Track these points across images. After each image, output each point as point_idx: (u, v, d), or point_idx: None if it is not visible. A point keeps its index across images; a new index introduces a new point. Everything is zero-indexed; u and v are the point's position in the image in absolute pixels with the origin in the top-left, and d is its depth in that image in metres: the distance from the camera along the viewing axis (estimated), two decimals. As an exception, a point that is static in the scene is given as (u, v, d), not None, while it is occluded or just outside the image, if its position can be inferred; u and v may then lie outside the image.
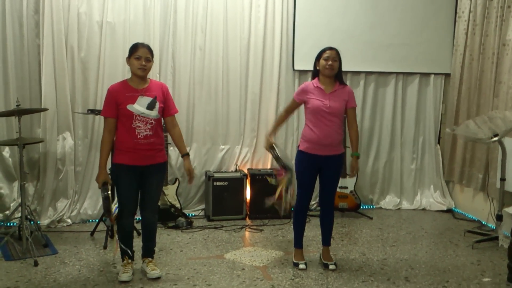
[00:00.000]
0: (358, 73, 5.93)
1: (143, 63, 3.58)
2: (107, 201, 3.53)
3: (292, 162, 4.00)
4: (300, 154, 3.94)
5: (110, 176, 3.65)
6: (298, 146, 4.00)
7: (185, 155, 3.82)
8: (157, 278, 3.74)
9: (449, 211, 5.96)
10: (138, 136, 3.57)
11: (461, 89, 5.83)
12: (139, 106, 3.56)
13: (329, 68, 3.86)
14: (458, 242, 4.80)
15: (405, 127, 6.17)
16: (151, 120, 3.59)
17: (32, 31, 5.02)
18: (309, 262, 4.11)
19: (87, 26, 5.12)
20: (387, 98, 6.09)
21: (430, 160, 6.20)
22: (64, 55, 5.03)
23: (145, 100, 3.59)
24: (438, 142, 6.23)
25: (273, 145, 3.90)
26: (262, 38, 5.69)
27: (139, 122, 3.57)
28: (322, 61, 3.89)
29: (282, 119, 4.15)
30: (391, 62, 5.94)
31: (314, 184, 4.03)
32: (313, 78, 4.03)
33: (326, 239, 4.12)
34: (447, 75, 6.10)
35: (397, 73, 6.04)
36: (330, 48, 3.91)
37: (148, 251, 3.88)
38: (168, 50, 5.44)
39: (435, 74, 6.10)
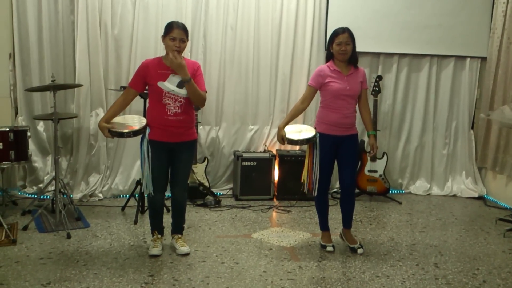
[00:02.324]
0: (391, 54, 5.82)
1: (178, 44, 3.58)
2: (127, 134, 3.64)
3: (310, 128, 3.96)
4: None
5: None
6: (315, 128, 3.93)
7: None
8: (186, 254, 3.80)
9: (480, 198, 5.86)
10: (168, 113, 3.59)
11: (497, 74, 5.68)
12: (169, 84, 3.58)
13: (343, 54, 3.80)
14: (489, 230, 4.72)
15: (438, 111, 6.05)
16: (180, 98, 3.61)
17: (66, 7, 5.08)
18: (336, 245, 4.10)
19: (121, 4, 5.14)
20: (420, 81, 5.97)
21: (462, 146, 6.08)
22: (98, 32, 5.08)
23: (176, 78, 3.60)
24: (472, 128, 6.09)
25: (284, 137, 3.83)
26: (294, 18, 5.62)
27: (168, 100, 3.59)
28: (335, 46, 3.81)
29: (300, 111, 4.00)
30: (426, 44, 5.80)
31: (333, 166, 3.98)
32: (327, 60, 3.95)
33: (347, 222, 4.07)
34: (483, 59, 5.94)
35: (432, 56, 5.90)
36: (342, 31, 3.80)
37: (178, 228, 3.94)
38: (200, 29, 5.43)
39: (471, 57, 5.94)
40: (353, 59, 3.87)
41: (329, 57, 3.93)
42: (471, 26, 5.83)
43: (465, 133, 6.07)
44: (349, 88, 3.81)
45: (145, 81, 3.66)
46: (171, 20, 3.74)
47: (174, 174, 3.79)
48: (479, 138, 6.00)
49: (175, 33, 3.59)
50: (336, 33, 3.82)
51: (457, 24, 5.80)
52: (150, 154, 3.62)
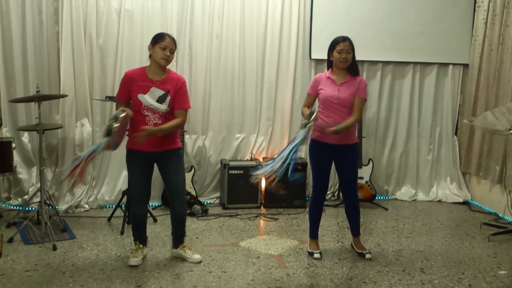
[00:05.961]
0: (375, 62, 5.88)
1: (168, 53, 3.58)
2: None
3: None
4: (311, 142, 3.91)
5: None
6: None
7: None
8: (199, 262, 3.81)
9: (465, 203, 5.92)
10: (148, 123, 3.57)
11: (480, 80, 5.76)
12: (149, 98, 3.57)
13: (343, 61, 3.83)
14: (474, 235, 4.77)
15: (422, 118, 6.11)
16: (160, 112, 3.60)
17: (51, 18, 5.06)
18: (324, 252, 4.12)
19: (106, 13, 5.14)
20: (404, 88, 6.03)
21: (447, 152, 6.15)
22: (83, 42, 5.06)
23: (157, 93, 3.59)
24: (455, 134, 6.17)
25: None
26: (279, 26, 5.66)
27: (148, 112, 3.58)
28: (335, 54, 3.84)
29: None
30: (409, 51, 5.88)
31: (329, 174, 4.02)
32: (328, 68, 4.00)
33: (355, 230, 4.14)
34: (466, 66, 6.02)
35: (415, 63, 5.98)
36: (343, 39, 3.84)
37: (181, 237, 3.94)
38: (185, 38, 5.44)
39: (454, 64, 6.03)
40: (352, 67, 3.89)
41: (329, 65, 3.96)
42: (453, 33, 5.92)
43: (449, 139, 6.14)
44: (338, 96, 3.83)
45: (129, 91, 3.64)
46: (160, 32, 3.74)
47: (170, 187, 3.77)
48: (462, 144, 6.07)
49: (167, 42, 3.59)
50: (337, 41, 3.86)
51: (439, 32, 5.88)
52: (129, 166, 3.59)
